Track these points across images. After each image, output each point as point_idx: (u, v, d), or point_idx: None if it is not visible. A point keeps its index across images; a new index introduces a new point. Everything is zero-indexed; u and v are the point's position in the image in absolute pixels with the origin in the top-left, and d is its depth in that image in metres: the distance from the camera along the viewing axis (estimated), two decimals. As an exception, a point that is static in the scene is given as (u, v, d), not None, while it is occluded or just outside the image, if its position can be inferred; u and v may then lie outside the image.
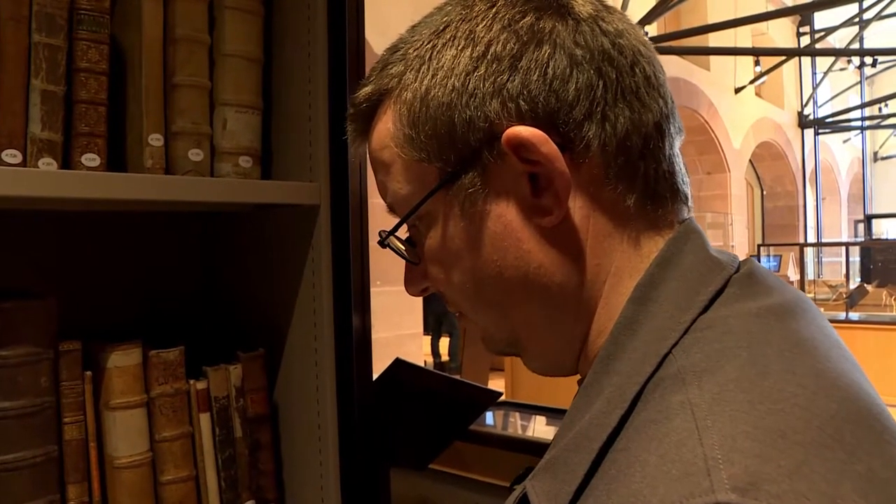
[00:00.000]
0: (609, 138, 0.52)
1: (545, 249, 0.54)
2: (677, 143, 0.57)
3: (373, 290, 1.14)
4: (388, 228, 0.60)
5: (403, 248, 0.60)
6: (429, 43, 0.55)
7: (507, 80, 0.52)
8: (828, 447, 0.39)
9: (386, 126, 0.57)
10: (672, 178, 0.55)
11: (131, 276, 1.20)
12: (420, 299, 4.56)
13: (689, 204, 0.57)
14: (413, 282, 0.61)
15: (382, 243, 0.59)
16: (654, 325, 0.50)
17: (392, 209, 0.59)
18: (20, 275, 1.08)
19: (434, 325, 7.16)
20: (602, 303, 0.54)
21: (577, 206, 0.53)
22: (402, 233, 0.60)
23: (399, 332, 4.17)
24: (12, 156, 0.85)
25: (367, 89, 0.59)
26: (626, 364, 0.49)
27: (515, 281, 0.55)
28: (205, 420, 1.03)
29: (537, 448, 1.42)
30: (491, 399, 1.34)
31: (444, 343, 7.38)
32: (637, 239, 0.54)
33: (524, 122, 0.52)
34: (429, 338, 7.16)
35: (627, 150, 0.53)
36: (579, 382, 0.56)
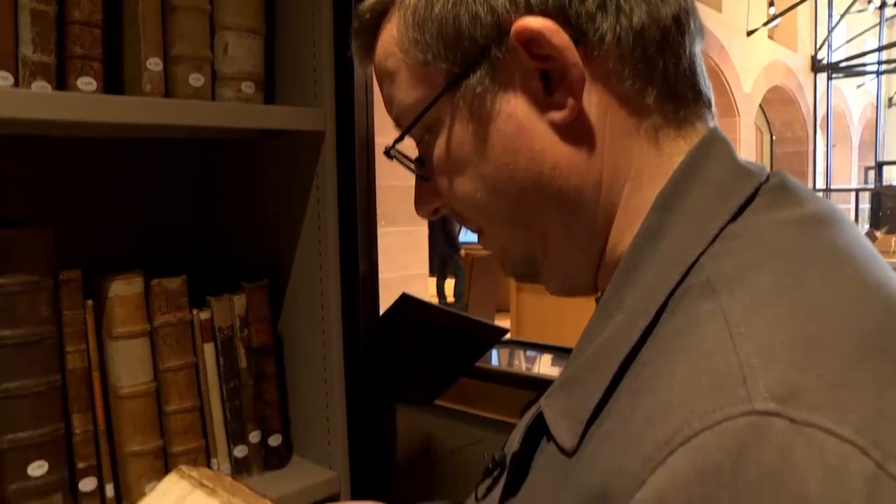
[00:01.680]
0: (625, 31, 0.49)
1: (560, 149, 0.51)
2: (698, 44, 0.53)
3: (378, 230, 1.12)
4: (397, 156, 0.57)
5: (413, 164, 0.57)
6: None
7: None
8: (871, 357, 0.37)
9: (391, 33, 0.55)
10: (693, 77, 0.52)
11: (133, 206, 1.18)
12: (425, 240, 4.54)
13: (713, 110, 0.54)
14: (424, 201, 0.59)
15: (388, 153, 0.57)
16: (679, 234, 0.47)
17: (398, 122, 0.57)
18: (18, 204, 1.06)
19: (439, 266, 7.16)
20: (621, 209, 0.52)
21: (593, 103, 0.50)
22: (411, 150, 0.58)
23: (404, 272, 4.17)
24: (3, 78, 0.82)
25: (372, 0, 0.56)
26: (649, 275, 0.47)
27: (529, 185, 0.52)
28: (209, 350, 1.02)
29: (544, 385, 1.41)
30: (497, 335, 1.33)
31: (450, 285, 7.40)
32: (657, 139, 0.51)
33: (533, 14, 0.49)
34: (434, 279, 7.18)
35: (644, 44, 0.50)
36: (597, 300, 0.53)
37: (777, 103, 13.59)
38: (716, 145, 0.51)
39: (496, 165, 0.52)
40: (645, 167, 0.51)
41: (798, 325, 0.38)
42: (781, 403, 0.35)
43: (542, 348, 1.92)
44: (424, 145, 0.57)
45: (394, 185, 3.31)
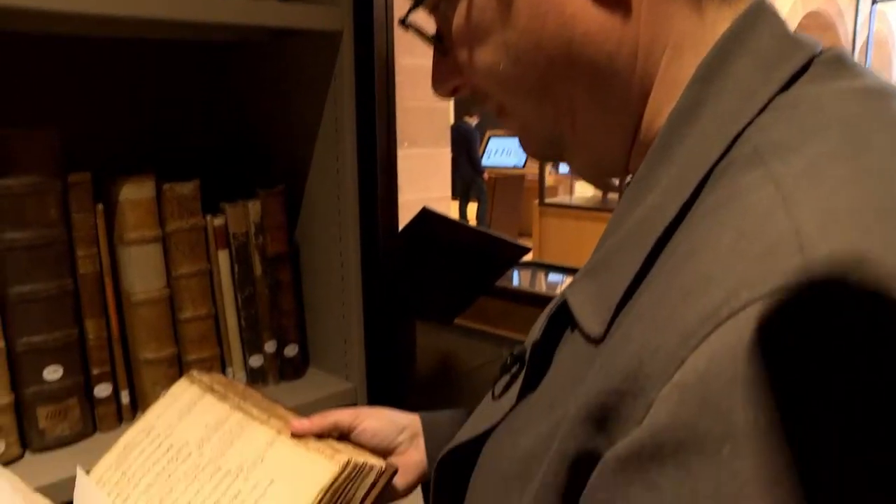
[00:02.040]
0: None
1: (592, 13, 0.45)
2: None
3: (400, 152, 1.09)
4: (412, 26, 0.52)
5: (430, 38, 0.52)
6: None
7: None
8: None
9: None
10: None
11: (144, 110, 1.14)
12: (448, 162, 4.47)
13: None
14: (442, 78, 0.54)
15: (404, 22, 0.52)
16: (721, 106, 0.42)
17: None
18: (24, 106, 1.02)
19: (462, 189, 7.11)
20: (658, 81, 0.46)
21: None
22: (429, 25, 0.53)
23: (427, 195, 4.11)
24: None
25: None
26: (687, 150, 0.42)
27: (557, 54, 0.46)
28: (223, 257, 1.00)
29: (566, 304, 1.38)
30: (519, 253, 1.29)
31: (473, 208, 7.36)
32: (700, 5, 0.45)
33: None
34: (457, 202, 7.13)
35: None
36: (628, 184, 0.49)
37: (814, 29, 13.06)
38: (764, 14, 0.45)
39: (521, 32, 0.47)
40: (686, 35, 0.45)
41: (864, 189, 0.33)
42: (845, 272, 0.30)
43: (565, 271, 1.89)
44: (441, 16, 0.52)
45: (416, 105, 3.23)
